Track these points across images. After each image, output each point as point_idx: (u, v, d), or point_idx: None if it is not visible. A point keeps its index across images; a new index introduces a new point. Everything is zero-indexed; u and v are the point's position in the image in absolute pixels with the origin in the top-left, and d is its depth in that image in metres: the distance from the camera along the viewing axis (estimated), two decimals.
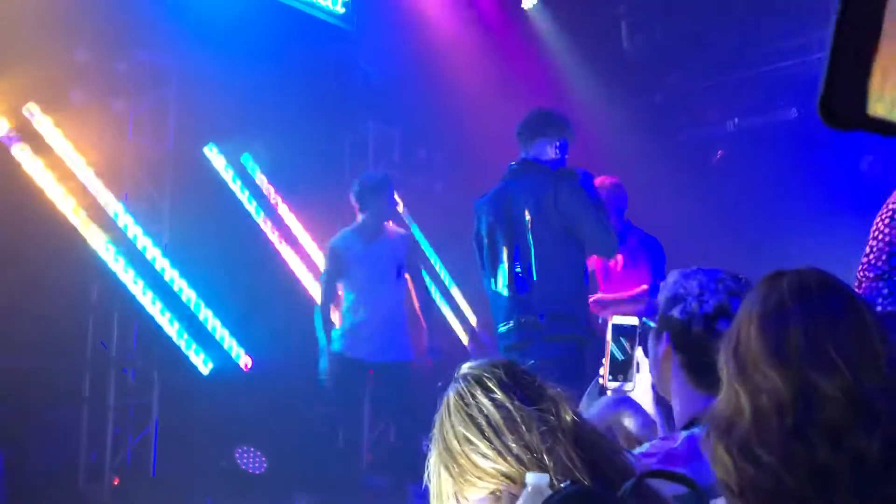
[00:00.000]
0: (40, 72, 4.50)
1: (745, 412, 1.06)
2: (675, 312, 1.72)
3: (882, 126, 0.55)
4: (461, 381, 1.36)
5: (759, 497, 1.05)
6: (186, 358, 5.23)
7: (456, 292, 7.20)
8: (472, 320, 7.24)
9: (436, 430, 1.34)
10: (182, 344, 5.21)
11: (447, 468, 1.31)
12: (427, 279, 5.63)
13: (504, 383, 1.32)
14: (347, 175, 6.70)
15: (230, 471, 5.29)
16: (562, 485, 1.17)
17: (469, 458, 1.27)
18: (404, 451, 6.22)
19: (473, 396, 1.31)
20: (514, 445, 1.25)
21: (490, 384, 1.32)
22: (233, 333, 5.51)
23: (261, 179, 6.00)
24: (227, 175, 5.78)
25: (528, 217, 3.71)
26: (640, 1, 6.42)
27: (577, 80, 6.39)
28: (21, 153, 4.59)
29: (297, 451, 5.56)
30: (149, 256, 5.17)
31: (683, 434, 1.62)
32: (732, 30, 6.10)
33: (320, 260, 6.25)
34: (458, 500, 1.31)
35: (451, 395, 1.35)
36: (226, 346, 5.47)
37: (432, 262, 7.07)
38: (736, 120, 7.21)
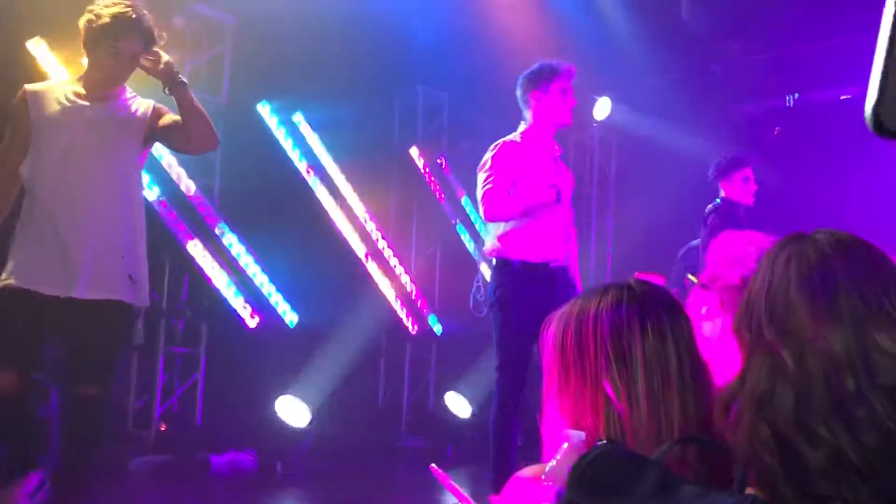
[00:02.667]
0: None
1: (789, 381, 1.00)
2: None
3: None
4: None
5: (809, 478, 0.97)
6: (234, 311, 5.33)
7: None
8: None
9: None
10: (230, 297, 5.32)
11: None
12: None
13: None
14: (396, 137, 6.72)
15: (273, 422, 5.41)
16: (597, 442, 1.18)
17: None
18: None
19: None
20: None
21: None
22: (279, 289, 5.60)
23: (312, 139, 6.04)
24: (279, 133, 5.84)
25: None
26: None
27: (633, 47, 6.27)
28: None
29: (339, 408, 5.67)
30: (200, 211, 5.26)
31: None
32: (793, 1, 5.92)
33: (367, 220, 6.30)
34: None
35: None
36: (272, 302, 5.57)
37: (478, 227, 7.08)
38: (796, 95, 7.04)
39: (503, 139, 3.83)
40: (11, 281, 2.85)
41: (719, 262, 1.82)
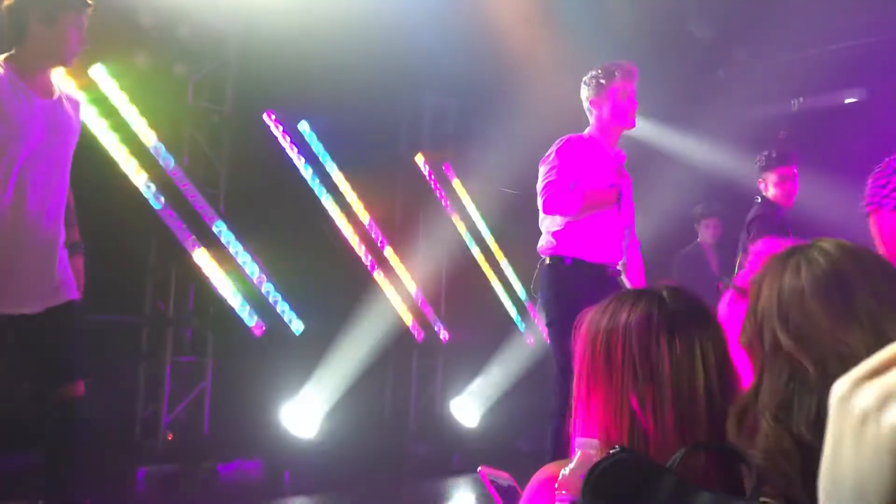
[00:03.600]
0: (106, 35, 4.58)
1: (811, 387, 0.99)
2: None
3: None
4: None
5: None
6: (240, 320, 5.33)
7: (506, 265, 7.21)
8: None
9: None
10: (236, 306, 5.32)
11: None
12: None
13: None
14: (403, 145, 6.72)
15: (280, 430, 5.41)
16: (611, 450, 1.17)
17: None
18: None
19: None
20: None
21: None
22: (286, 297, 5.60)
23: (317, 147, 6.05)
24: (284, 142, 5.84)
25: None
26: None
27: (639, 53, 6.27)
28: (88, 114, 4.70)
29: (344, 417, 5.66)
30: (206, 219, 5.27)
31: None
32: (799, 7, 5.91)
33: (373, 228, 6.30)
34: None
35: None
36: (278, 310, 5.57)
37: (485, 234, 7.08)
38: (800, 99, 7.04)
39: (568, 135, 3.78)
40: None
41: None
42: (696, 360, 1.28)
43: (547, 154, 3.72)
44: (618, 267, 3.77)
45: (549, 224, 3.72)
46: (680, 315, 1.32)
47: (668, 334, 1.29)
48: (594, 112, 3.79)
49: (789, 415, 1.01)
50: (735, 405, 1.12)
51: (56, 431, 2.83)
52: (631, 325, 1.31)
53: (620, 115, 3.75)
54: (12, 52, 2.81)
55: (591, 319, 1.37)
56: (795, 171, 4.69)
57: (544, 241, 3.73)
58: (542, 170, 3.69)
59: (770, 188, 4.62)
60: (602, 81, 3.73)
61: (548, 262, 3.68)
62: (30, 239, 2.80)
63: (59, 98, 2.87)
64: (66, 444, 2.83)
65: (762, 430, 1.03)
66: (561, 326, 3.54)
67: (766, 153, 4.69)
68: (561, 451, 3.44)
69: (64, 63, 2.86)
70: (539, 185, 3.66)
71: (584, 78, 3.81)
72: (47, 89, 2.83)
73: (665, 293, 1.35)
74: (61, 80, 3.00)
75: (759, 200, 4.62)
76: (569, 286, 3.58)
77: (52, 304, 2.85)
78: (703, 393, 1.27)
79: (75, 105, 2.94)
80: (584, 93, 3.80)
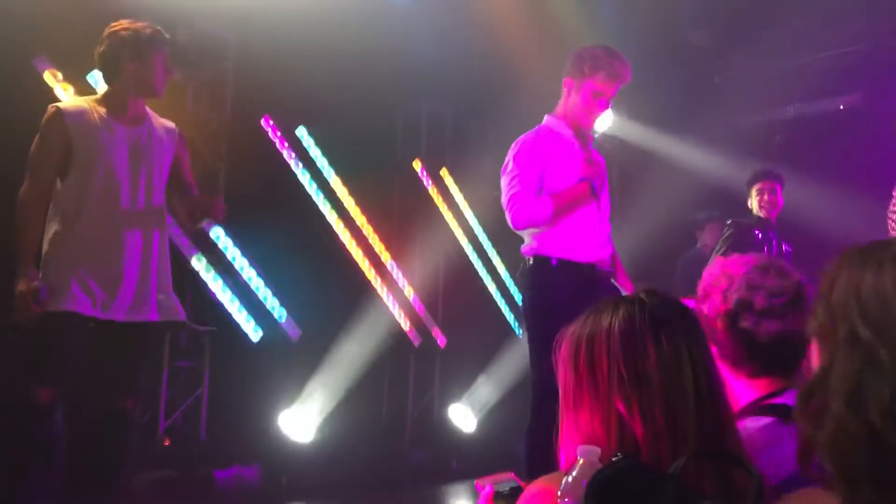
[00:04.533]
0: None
1: (884, 376, 1.00)
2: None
3: None
4: None
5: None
6: (237, 325, 5.33)
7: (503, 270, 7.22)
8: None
9: None
10: (234, 311, 5.32)
11: None
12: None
13: None
14: (399, 151, 6.74)
15: (277, 436, 5.40)
16: (613, 458, 1.18)
17: None
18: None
19: None
20: None
21: None
22: (283, 303, 5.60)
23: (315, 153, 6.05)
24: (283, 147, 5.85)
25: None
26: None
27: (636, 60, 6.30)
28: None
29: (342, 422, 5.66)
30: (204, 225, 5.26)
31: (765, 420, 1.61)
32: (794, 14, 5.95)
33: (370, 233, 6.31)
34: None
35: None
36: (275, 315, 5.57)
37: (482, 239, 7.09)
38: (795, 105, 7.07)
39: (522, 136, 3.50)
40: (57, 304, 2.91)
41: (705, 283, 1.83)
42: (683, 359, 1.29)
43: (505, 163, 3.48)
44: (608, 266, 3.48)
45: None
46: (663, 316, 1.32)
47: (653, 335, 1.30)
48: (564, 91, 3.54)
49: (861, 401, 1.02)
50: (803, 386, 1.14)
51: (103, 437, 2.98)
52: (614, 330, 1.31)
53: (583, 112, 3.50)
54: (106, 90, 3.18)
55: (572, 332, 1.38)
56: (776, 185, 5.12)
57: (526, 243, 3.47)
58: (503, 182, 3.44)
59: (751, 201, 5.15)
60: (584, 70, 3.45)
61: (531, 262, 3.41)
62: (124, 252, 3.04)
63: (149, 125, 3.19)
64: (113, 450, 2.99)
65: (831, 412, 1.04)
66: (543, 336, 3.16)
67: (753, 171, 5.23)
68: (536, 468, 3.25)
69: (155, 93, 3.18)
70: (503, 200, 3.41)
71: (576, 52, 3.53)
72: (135, 118, 3.16)
73: (644, 296, 1.36)
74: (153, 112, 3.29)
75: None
76: (554, 290, 3.29)
77: (138, 319, 3.06)
78: (692, 393, 1.28)
79: (171, 131, 3.27)
80: (567, 66, 3.53)
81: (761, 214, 5.10)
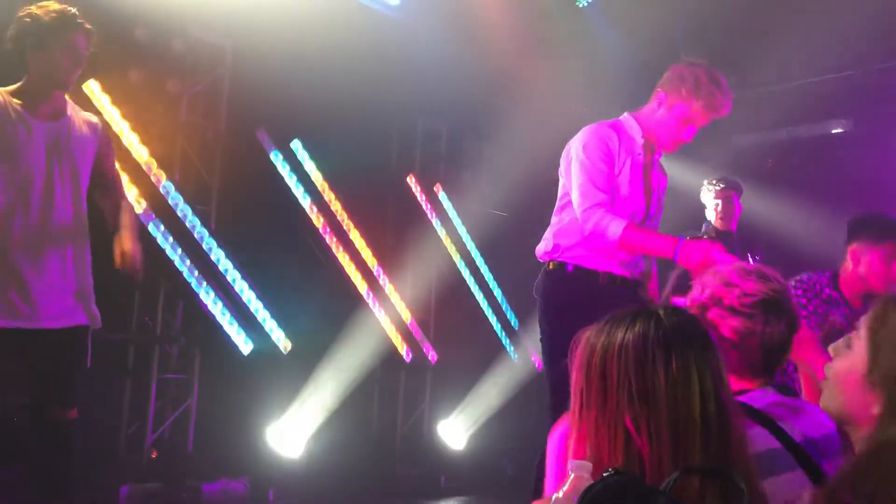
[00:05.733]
0: (101, 49, 4.59)
1: None
2: None
3: None
4: None
5: None
6: (228, 337, 5.30)
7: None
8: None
9: None
10: (224, 323, 5.29)
11: None
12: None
13: None
14: (394, 166, 6.74)
15: (266, 450, 5.36)
16: (604, 473, 1.17)
17: None
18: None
19: None
20: None
21: None
22: (274, 316, 5.58)
23: (309, 166, 6.05)
24: (276, 159, 5.85)
25: None
26: (698, 8, 6.35)
27: (629, 80, 6.34)
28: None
29: (332, 436, 5.63)
30: (196, 236, 5.25)
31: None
32: (787, 39, 6.00)
33: (363, 248, 6.30)
34: None
35: None
36: (267, 329, 5.54)
37: (474, 255, 7.09)
38: (788, 128, 7.12)
39: (591, 125, 3.17)
40: None
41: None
42: (692, 383, 1.28)
43: (567, 151, 3.19)
44: (637, 278, 3.21)
45: (554, 221, 3.24)
46: (677, 336, 1.31)
47: (664, 355, 1.29)
48: (653, 100, 3.25)
49: None
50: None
51: (46, 449, 2.85)
52: (627, 345, 1.31)
53: (666, 134, 3.21)
54: (19, 83, 2.91)
55: (587, 338, 1.37)
56: (732, 194, 4.98)
57: (542, 246, 3.23)
58: (574, 170, 3.11)
59: (709, 213, 5.01)
60: (682, 92, 3.14)
61: (551, 267, 3.17)
62: (45, 256, 2.86)
63: (68, 120, 2.94)
64: (57, 461, 2.85)
65: None
66: (556, 344, 3.03)
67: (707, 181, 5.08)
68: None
69: (61, 86, 2.92)
70: (576, 197, 3.07)
71: (678, 66, 3.22)
72: (53, 113, 2.91)
73: (662, 313, 1.35)
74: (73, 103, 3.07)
75: (704, 225, 4.96)
76: (569, 296, 3.07)
77: (67, 323, 2.90)
78: (698, 417, 1.27)
79: (92, 126, 3.03)
80: (665, 78, 3.23)
81: (719, 226, 4.91)
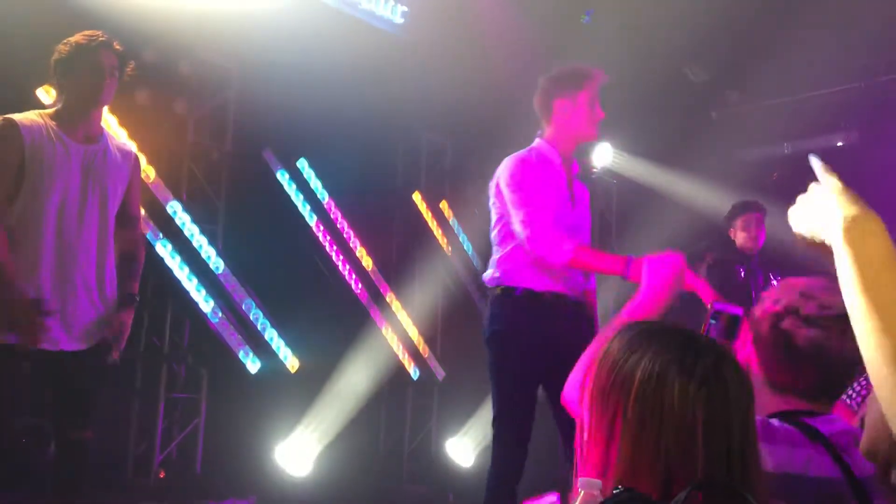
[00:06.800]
0: None
1: None
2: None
3: None
4: None
5: None
6: (235, 356, 5.31)
7: None
8: None
9: None
10: (232, 343, 5.30)
11: None
12: None
13: None
14: (400, 183, 6.77)
15: (274, 469, 5.35)
16: (614, 491, 1.17)
17: None
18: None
19: None
20: None
21: None
22: (281, 335, 5.58)
23: (315, 184, 6.08)
24: (283, 179, 5.88)
25: None
26: (702, 22, 6.38)
27: (635, 94, 6.36)
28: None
29: (339, 455, 5.61)
30: (203, 255, 5.27)
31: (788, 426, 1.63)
32: (791, 51, 6.02)
33: (370, 265, 6.31)
34: None
35: None
36: (274, 347, 5.55)
37: (481, 272, 7.09)
38: (792, 142, 7.13)
39: (512, 156, 3.35)
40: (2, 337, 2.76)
41: None
42: (697, 406, 1.21)
43: (495, 182, 3.34)
44: (580, 297, 3.29)
45: (494, 250, 3.33)
46: (689, 357, 1.26)
47: (671, 391, 1.24)
48: (555, 116, 3.38)
49: None
50: None
51: (63, 469, 2.88)
52: (636, 373, 1.26)
53: (587, 124, 3.37)
54: (56, 107, 3.00)
55: (606, 351, 1.32)
56: (761, 216, 5.06)
57: (489, 272, 3.32)
58: (509, 199, 3.23)
59: (736, 234, 5.08)
60: (576, 83, 3.33)
61: (497, 293, 3.24)
62: (73, 278, 2.89)
63: (104, 145, 3.01)
64: (71, 482, 2.87)
65: None
66: (503, 371, 3.24)
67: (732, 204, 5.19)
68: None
69: (94, 104, 2.99)
70: (516, 221, 3.17)
71: (550, 76, 3.42)
72: (89, 136, 2.98)
73: (676, 344, 1.29)
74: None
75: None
76: (517, 322, 3.18)
77: (90, 344, 2.93)
78: (701, 439, 1.21)
79: (127, 154, 3.10)
80: (550, 92, 3.39)
81: (745, 248, 5.00)
